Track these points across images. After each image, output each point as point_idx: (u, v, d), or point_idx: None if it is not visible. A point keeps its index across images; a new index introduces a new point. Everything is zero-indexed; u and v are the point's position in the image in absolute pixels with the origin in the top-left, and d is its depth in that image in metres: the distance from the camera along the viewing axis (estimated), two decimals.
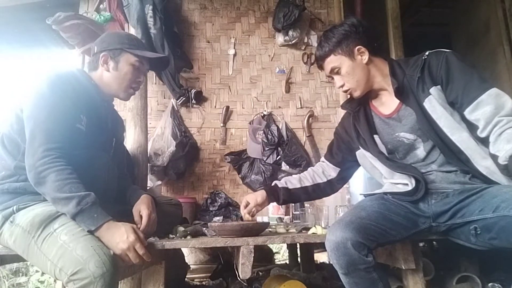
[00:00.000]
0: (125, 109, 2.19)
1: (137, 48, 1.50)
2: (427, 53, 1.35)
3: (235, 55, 2.75)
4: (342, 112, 1.69)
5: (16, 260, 1.40)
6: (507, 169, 1.14)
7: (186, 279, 2.46)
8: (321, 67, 1.47)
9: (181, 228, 1.57)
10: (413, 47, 2.46)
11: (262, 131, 2.55)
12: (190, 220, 2.14)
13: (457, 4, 3.67)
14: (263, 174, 2.50)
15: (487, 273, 1.90)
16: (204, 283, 2.65)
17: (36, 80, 1.30)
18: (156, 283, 1.47)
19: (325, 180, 1.59)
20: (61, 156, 1.18)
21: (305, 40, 2.80)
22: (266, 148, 2.51)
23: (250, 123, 2.63)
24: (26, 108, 1.26)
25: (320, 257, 3.44)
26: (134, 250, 1.15)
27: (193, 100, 2.57)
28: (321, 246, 1.88)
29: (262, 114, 2.66)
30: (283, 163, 2.48)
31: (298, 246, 2.97)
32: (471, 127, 1.24)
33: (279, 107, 2.72)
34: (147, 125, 2.18)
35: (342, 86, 1.42)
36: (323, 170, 1.61)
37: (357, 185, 2.18)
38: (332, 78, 1.46)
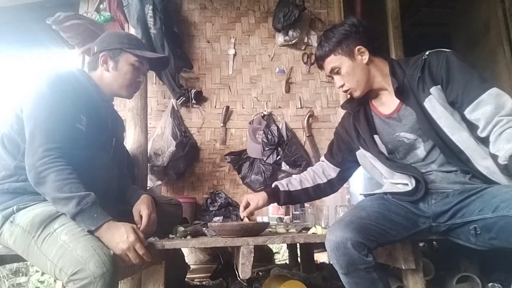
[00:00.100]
0: (125, 109, 2.19)
1: (137, 48, 1.50)
2: (427, 53, 1.35)
3: (235, 55, 2.75)
4: (342, 112, 1.69)
5: (16, 260, 1.40)
6: (507, 169, 1.14)
7: (186, 279, 2.46)
8: (321, 67, 1.47)
9: (181, 228, 1.57)
10: (413, 47, 2.46)
11: (262, 131, 2.55)
12: (190, 220, 2.14)
13: (457, 4, 3.66)
14: (263, 174, 2.50)
15: (487, 273, 1.90)
16: (204, 283, 2.65)
17: (36, 80, 1.30)
18: (156, 283, 1.47)
19: (325, 180, 1.59)
20: (61, 156, 1.18)
21: (305, 40, 2.80)
22: (266, 148, 2.51)
23: (250, 123, 2.63)
24: (26, 108, 1.25)
25: (320, 257, 3.44)
26: (134, 250, 1.15)
27: (193, 100, 2.57)
28: (321, 246, 1.88)
29: (262, 114, 2.66)
30: (283, 163, 2.48)
31: (298, 246, 2.97)
32: (471, 127, 1.24)
33: (279, 107, 2.72)
34: (147, 125, 2.18)
35: (342, 86, 1.41)
36: (323, 170, 1.61)
37: (357, 185, 2.18)
38: (332, 78, 1.46)
